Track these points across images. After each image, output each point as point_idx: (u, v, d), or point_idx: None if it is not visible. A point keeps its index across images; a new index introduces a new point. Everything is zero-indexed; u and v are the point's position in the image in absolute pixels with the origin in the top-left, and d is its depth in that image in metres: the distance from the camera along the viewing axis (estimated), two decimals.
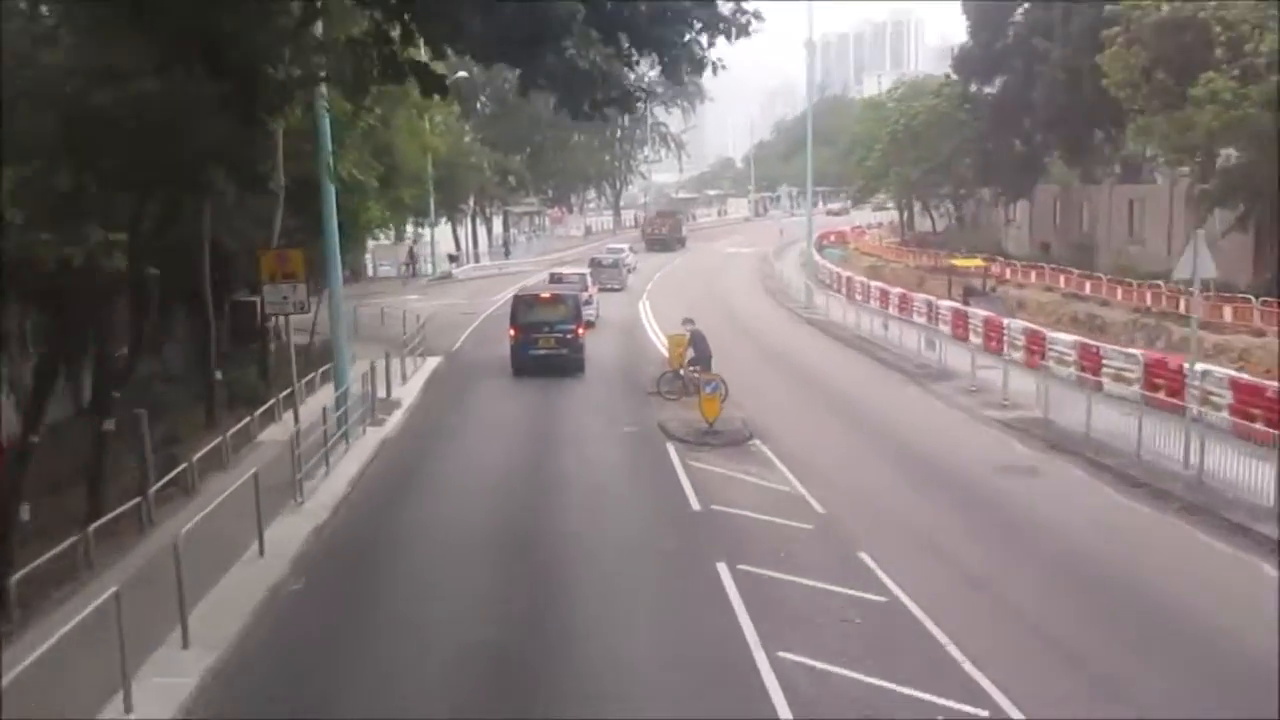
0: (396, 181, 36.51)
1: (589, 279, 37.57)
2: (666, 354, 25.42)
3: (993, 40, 45.72)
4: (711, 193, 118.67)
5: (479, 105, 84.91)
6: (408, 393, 25.11)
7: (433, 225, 57.53)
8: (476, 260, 70.00)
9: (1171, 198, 40.62)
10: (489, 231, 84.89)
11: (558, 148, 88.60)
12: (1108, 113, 39.98)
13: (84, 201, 12.58)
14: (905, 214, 68.32)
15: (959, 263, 38.79)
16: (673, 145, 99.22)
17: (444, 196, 69.83)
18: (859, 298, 40.65)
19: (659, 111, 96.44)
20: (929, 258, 52.61)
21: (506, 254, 66.37)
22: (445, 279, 54.60)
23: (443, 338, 33.98)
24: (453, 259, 61.86)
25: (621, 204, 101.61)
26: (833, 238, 74.08)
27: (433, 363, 29.67)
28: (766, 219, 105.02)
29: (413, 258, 56.87)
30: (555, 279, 35.96)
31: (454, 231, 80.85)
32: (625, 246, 62.35)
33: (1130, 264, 40.15)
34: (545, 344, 25.83)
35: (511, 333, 26.74)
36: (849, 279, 43.88)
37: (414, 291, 48.53)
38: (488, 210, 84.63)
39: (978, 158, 46.78)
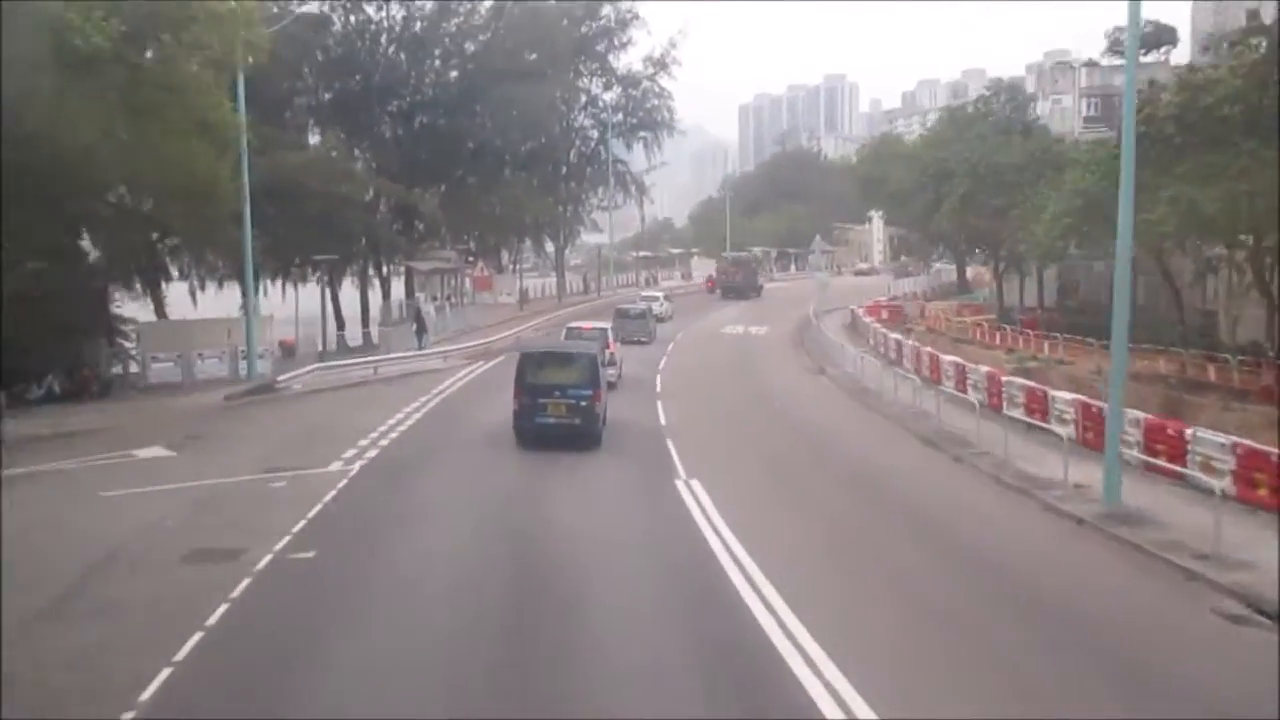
0: None
1: (610, 334, 31.14)
2: None
3: None
4: (675, 251, 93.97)
5: (378, 122, 58.89)
6: None
7: (251, 287, 30.90)
8: (367, 341, 43.76)
9: None
10: (386, 295, 58.51)
11: (485, 186, 63.10)
12: None
13: None
14: (1024, 277, 43.93)
15: None
16: (633, 188, 74.11)
17: (310, 240, 43.78)
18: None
19: (617, 147, 71.59)
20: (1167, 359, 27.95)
21: (419, 338, 39.74)
22: (263, 391, 27.49)
23: None
24: (286, 351, 34.85)
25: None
26: (884, 314, 49.47)
27: None
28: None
29: None
30: (572, 334, 30.53)
31: (331, 296, 54.34)
32: (660, 294, 56.33)
33: None
34: (555, 411, 20.22)
35: (516, 396, 20.47)
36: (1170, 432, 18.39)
37: (164, 437, 21.57)
38: (386, 267, 58.48)
39: None
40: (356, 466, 18.51)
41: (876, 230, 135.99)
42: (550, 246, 71.00)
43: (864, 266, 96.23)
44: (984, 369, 27.28)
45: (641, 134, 70.03)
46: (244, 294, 31.16)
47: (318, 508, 15.38)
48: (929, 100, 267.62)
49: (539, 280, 71.55)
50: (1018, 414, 22.22)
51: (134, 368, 28.96)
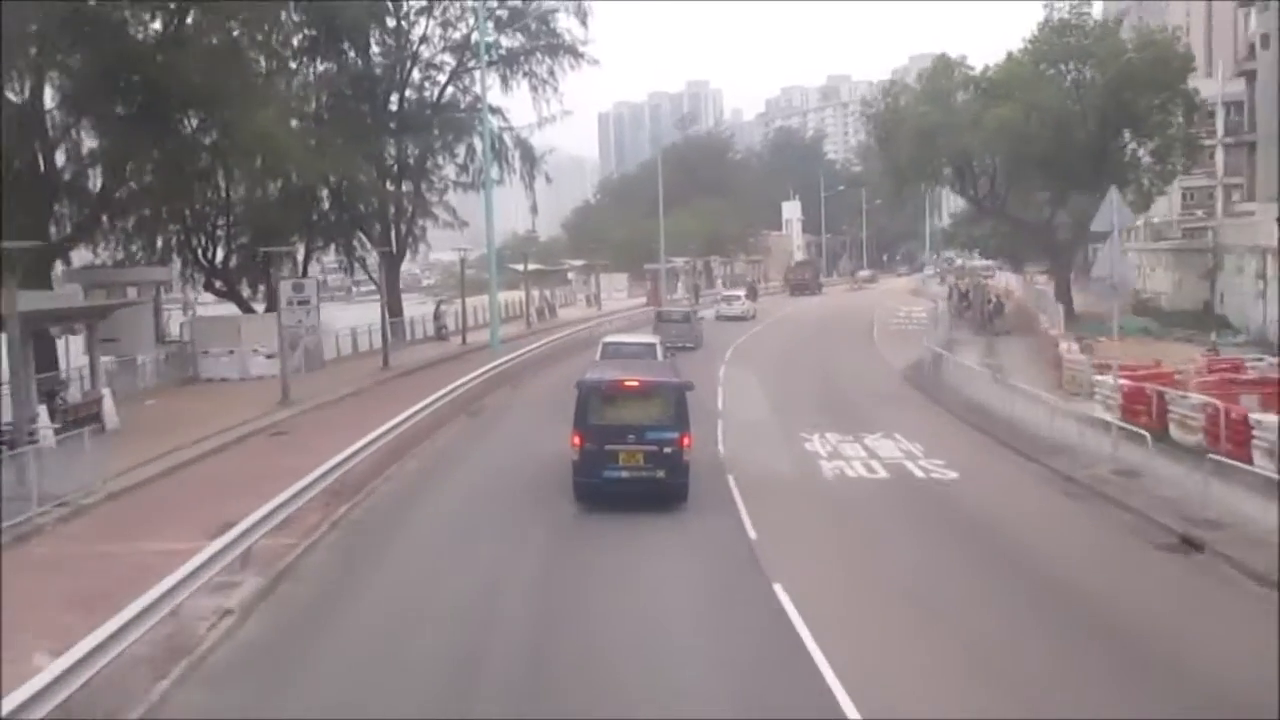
0: None
1: (659, 349, 23.76)
2: None
3: None
4: (575, 263, 62.72)
5: None
6: None
7: None
8: None
9: None
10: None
11: (241, 139, 30.44)
12: None
13: None
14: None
15: None
16: (516, 160, 42.48)
17: None
18: None
19: (491, 89, 39.96)
20: None
21: None
22: None
23: None
24: None
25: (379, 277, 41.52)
26: (1146, 382, 19.94)
27: None
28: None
29: None
30: (612, 351, 23.32)
31: None
32: (741, 293, 51.81)
33: None
34: (629, 461, 14.55)
35: (576, 442, 14.55)
36: None
37: None
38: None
39: None
40: None
41: (795, 235, 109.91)
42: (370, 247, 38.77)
43: (865, 274, 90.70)
44: None
45: (533, 56, 38.62)
46: None
47: None
48: (800, 102, 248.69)
49: (359, 306, 39.06)
50: None
51: None
